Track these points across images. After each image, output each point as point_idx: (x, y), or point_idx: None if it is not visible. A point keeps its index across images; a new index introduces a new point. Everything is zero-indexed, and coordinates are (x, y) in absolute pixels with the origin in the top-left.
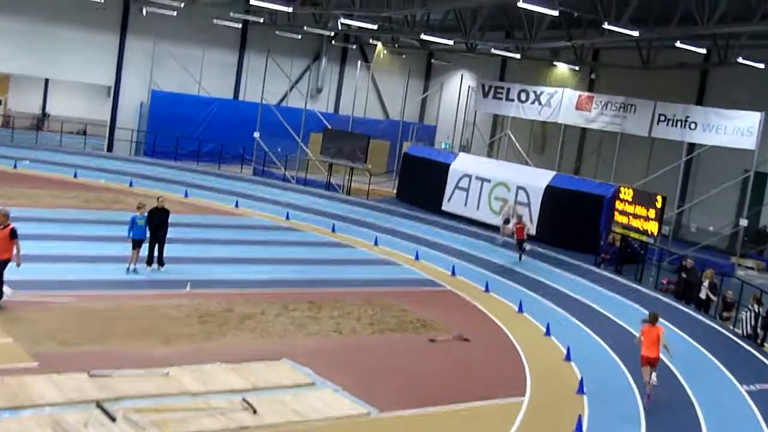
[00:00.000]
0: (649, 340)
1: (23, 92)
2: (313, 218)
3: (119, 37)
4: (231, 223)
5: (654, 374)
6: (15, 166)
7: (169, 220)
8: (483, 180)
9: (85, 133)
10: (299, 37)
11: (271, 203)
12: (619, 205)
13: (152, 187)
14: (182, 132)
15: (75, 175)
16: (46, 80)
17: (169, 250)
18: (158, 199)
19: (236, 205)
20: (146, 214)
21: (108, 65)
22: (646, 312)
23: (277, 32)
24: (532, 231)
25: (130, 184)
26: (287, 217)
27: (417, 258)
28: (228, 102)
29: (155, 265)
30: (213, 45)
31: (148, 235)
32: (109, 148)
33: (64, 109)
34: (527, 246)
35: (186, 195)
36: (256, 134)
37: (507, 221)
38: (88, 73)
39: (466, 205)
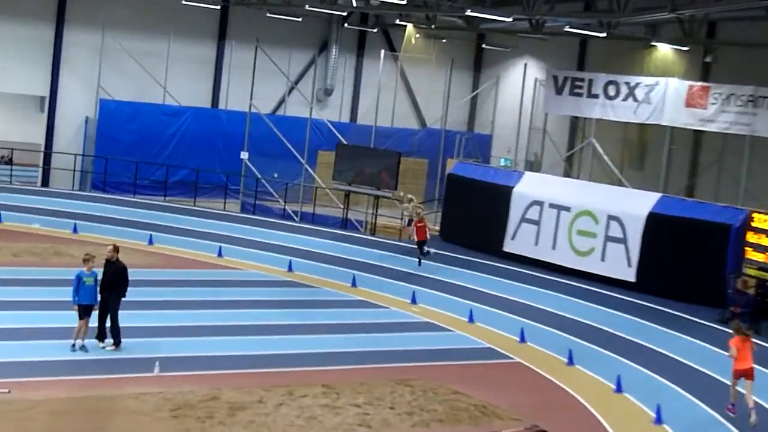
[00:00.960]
0: (743, 352)
1: None
2: (326, 268)
3: (54, 28)
4: (213, 279)
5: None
6: None
7: (129, 277)
8: (560, 208)
9: (10, 162)
10: (299, 20)
11: (267, 249)
12: (752, 238)
13: (104, 233)
14: (143, 155)
15: None
16: None
17: (128, 319)
18: (112, 248)
19: (219, 254)
20: (95, 270)
21: (40, 68)
22: None
23: (268, 14)
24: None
25: (74, 230)
26: (290, 268)
27: (471, 320)
28: (204, 112)
29: (109, 340)
30: (182, 35)
31: (99, 298)
32: (45, 182)
33: None
34: (431, 250)
35: (150, 242)
36: (244, 155)
37: (410, 222)
38: (12, 80)
39: (537, 243)
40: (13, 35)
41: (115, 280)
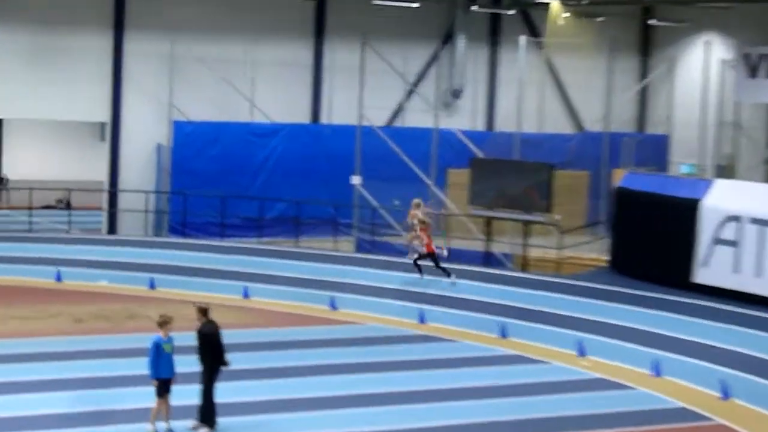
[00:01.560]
0: None
1: None
2: (466, 316)
3: (112, 38)
4: (327, 337)
5: None
6: None
7: (221, 341)
8: (764, 224)
9: (68, 205)
10: (416, 5)
11: (391, 297)
12: None
13: (188, 287)
14: (229, 187)
15: (57, 278)
16: None
17: (226, 393)
18: (202, 308)
19: (332, 306)
20: (171, 336)
21: (97, 87)
22: None
23: (375, 1)
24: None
25: (151, 285)
26: (421, 319)
27: (657, 373)
28: (303, 129)
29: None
30: (269, 36)
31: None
32: (111, 228)
33: (32, 168)
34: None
35: (246, 295)
36: (355, 179)
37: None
38: (64, 105)
39: (736, 270)
40: (63, 49)
41: (209, 343)
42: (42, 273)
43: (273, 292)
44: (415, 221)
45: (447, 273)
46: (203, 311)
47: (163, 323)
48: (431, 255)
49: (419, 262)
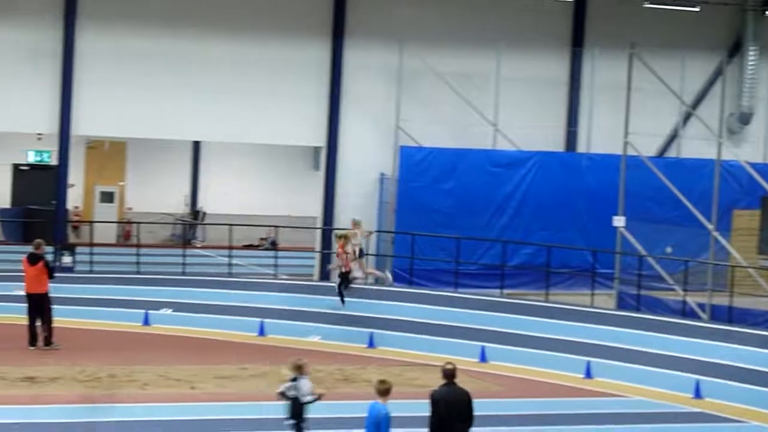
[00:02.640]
0: None
1: (153, 175)
2: (756, 392)
3: (330, 48)
4: (582, 411)
5: None
6: (146, 321)
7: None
8: None
9: (274, 245)
10: (695, 9)
11: (658, 365)
12: None
13: (412, 346)
14: (466, 227)
15: (260, 331)
16: (195, 151)
17: None
18: (449, 368)
19: (587, 374)
20: (386, 404)
21: (313, 108)
22: None
23: (647, 4)
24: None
25: (370, 343)
26: (696, 393)
27: None
28: (555, 158)
29: None
30: (517, 46)
31: None
32: (324, 273)
33: (232, 201)
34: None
35: (483, 358)
36: (619, 221)
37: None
38: (273, 126)
39: None
40: (271, 61)
41: (461, 410)
42: (243, 325)
43: (516, 355)
44: (353, 243)
45: (342, 299)
46: (453, 373)
47: (385, 390)
48: (345, 275)
49: (345, 288)
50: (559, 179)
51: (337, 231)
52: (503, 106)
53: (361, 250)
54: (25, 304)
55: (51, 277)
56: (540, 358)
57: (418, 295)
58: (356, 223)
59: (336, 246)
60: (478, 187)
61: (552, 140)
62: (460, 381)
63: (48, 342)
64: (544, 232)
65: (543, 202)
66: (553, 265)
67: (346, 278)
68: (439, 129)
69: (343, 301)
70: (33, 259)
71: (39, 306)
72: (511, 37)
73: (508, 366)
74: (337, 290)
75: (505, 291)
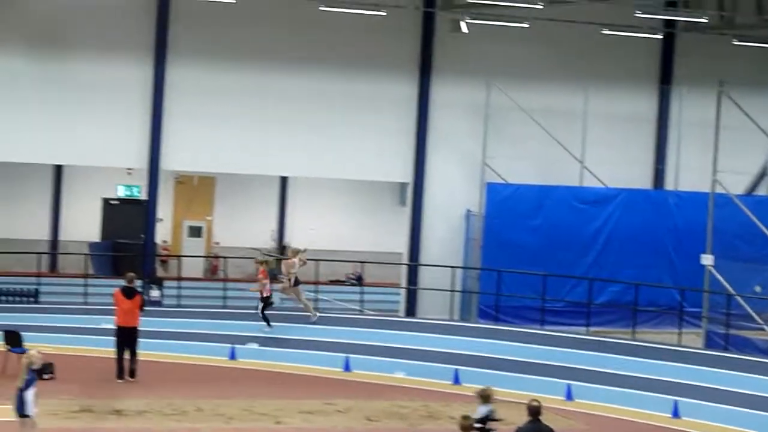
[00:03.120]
0: None
1: (240, 209)
2: None
3: (418, 84)
4: None
5: None
6: (232, 355)
7: None
8: None
9: (360, 280)
10: None
11: (748, 405)
12: None
13: (499, 382)
14: (552, 265)
15: (346, 367)
16: (282, 186)
17: None
18: (534, 405)
19: (675, 414)
20: None
21: (400, 143)
22: None
23: (734, 42)
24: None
25: (455, 380)
26: None
27: None
28: (642, 196)
29: None
30: (606, 82)
31: None
32: (410, 309)
33: (317, 236)
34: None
35: (569, 396)
36: (707, 259)
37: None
38: (363, 164)
39: None
40: (360, 96)
41: None
42: (329, 360)
43: (603, 394)
44: (291, 272)
45: (269, 323)
46: (538, 411)
47: (468, 427)
48: (266, 299)
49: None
50: (647, 217)
51: (258, 257)
52: (590, 143)
53: (296, 279)
54: (113, 337)
55: (141, 309)
56: (626, 396)
57: (504, 332)
58: (295, 252)
59: (258, 271)
60: (564, 224)
61: (639, 177)
62: (546, 419)
63: (134, 374)
64: (631, 269)
65: (630, 239)
66: (640, 303)
67: (267, 302)
68: (525, 165)
69: (269, 324)
70: (129, 292)
71: (131, 339)
72: (599, 74)
73: (594, 404)
74: (260, 315)
75: (592, 329)
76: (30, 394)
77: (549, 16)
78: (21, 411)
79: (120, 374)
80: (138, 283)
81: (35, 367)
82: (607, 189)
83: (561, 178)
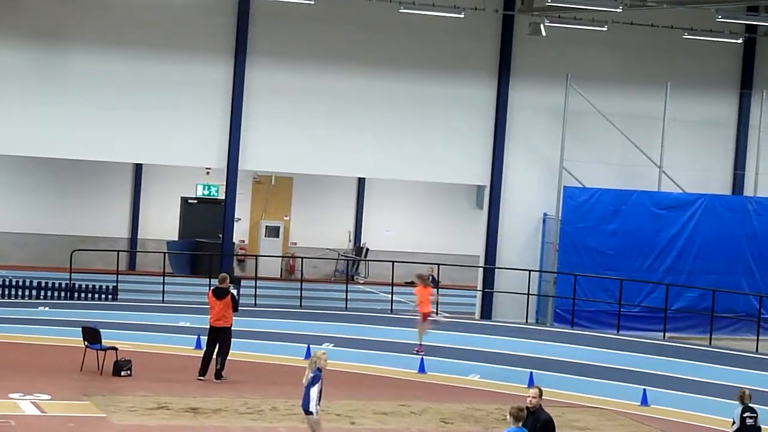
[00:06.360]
0: None
1: (318, 210)
2: None
3: (497, 86)
4: None
5: None
6: (308, 355)
7: None
8: None
9: (436, 283)
10: None
11: None
12: None
13: (572, 388)
14: (628, 270)
15: (420, 368)
16: (359, 187)
17: None
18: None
19: None
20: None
21: (478, 146)
22: None
23: None
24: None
25: (530, 382)
26: None
27: None
28: (721, 202)
29: None
30: (687, 86)
31: None
32: (486, 312)
33: (394, 237)
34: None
35: (644, 401)
36: None
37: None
38: (441, 166)
39: None
40: (438, 99)
41: None
42: (404, 362)
43: (678, 400)
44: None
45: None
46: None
47: (518, 415)
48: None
49: None
50: (725, 222)
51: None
52: (669, 148)
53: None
54: (193, 336)
55: (235, 310)
56: (703, 403)
57: (580, 336)
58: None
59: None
60: (642, 229)
61: (718, 183)
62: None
63: (219, 375)
64: (708, 275)
65: (708, 245)
66: (718, 309)
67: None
68: (603, 170)
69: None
70: (220, 293)
71: (221, 339)
72: (679, 78)
73: (669, 410)
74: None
75: (668, 334)
76: (314, 392)
77: (628, 19)
78: (305, 407)
79: (202, 372)
80: (214, 282)
81: (319, 365)
82: (686, 194)
83: (639, 182)
